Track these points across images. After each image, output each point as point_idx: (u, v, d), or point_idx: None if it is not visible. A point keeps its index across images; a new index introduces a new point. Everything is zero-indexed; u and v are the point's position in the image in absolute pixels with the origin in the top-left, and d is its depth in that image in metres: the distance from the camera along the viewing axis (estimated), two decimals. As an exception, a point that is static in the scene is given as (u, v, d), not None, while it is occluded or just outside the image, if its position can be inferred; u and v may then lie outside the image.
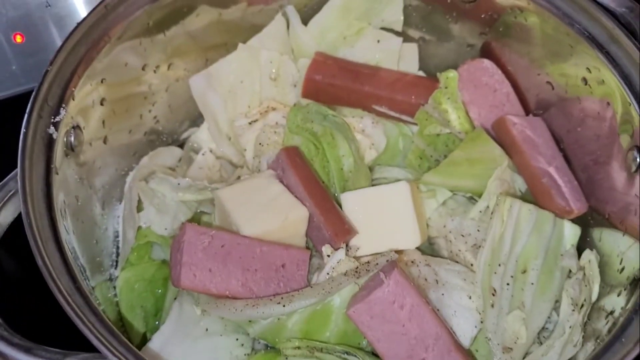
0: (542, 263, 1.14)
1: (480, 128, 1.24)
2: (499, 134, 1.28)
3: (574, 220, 1.19)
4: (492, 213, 1.15)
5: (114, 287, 1.20)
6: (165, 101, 1.35)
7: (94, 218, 1.18)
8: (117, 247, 1.26)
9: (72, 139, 1.06)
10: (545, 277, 1.14)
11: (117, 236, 1.27)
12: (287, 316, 1.03)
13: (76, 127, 1.08)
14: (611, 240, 1.12)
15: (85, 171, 1.14)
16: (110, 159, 1.24)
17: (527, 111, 1.33)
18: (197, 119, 1.42)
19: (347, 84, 1.33)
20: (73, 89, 1.06)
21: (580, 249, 1.17)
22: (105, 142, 1.20)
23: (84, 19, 1.08)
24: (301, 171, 1.18)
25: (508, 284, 1.12)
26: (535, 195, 1.22)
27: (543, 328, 1.13)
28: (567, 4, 1.14)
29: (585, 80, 1.16)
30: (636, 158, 1.05)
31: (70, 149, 1.07)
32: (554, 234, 1.17)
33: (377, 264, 1.05)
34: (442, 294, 1.09)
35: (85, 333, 0.87)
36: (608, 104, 1.12)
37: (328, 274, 1.08)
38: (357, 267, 1.05)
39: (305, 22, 1.38)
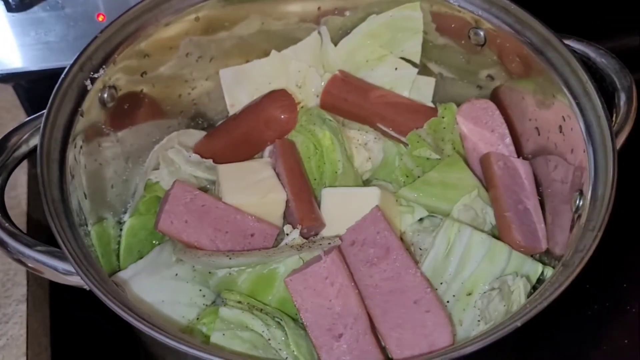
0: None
1: (456, 154, 1.34)
2: (483, 168, 1.37)
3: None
4: (435, 234, 1.23)
5: (120, 229, 1.40)
6: (205, 89, 1.53)
7: (115, 166, 1.37)
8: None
9: (106, 95, 1.27)
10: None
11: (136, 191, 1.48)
12: (237, 273, 1.19)
13: (111, 87, 1.28)
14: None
15: (118, 125, 1.33)
16: (146, 126, 1.43)
17: (520, 155, 1.41)
18: (233, 113, 1.62)
19: (358, 101, 1.48)
20: (116, 55, 1.28)
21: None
22: (141, 107, 1.41)
23: (138, 2, 1.32)
24: (288, 163, 1.34)
25: (448, 302, 1.20)
26: (497, 227, 1.30)
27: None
28: (552, 52, 1.24)
29: (560, 128, 1.24)
30: (576, 200, 1.11)
31: (102, 103, 1.28)
32: (510, 266, 1.24)
33: (320, 244, 1.18)
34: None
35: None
36: (572, 151, 1.19)
37: (281, 247, 1.22)
38: (302, 243, 1.19)
39: (335, 42, 1.55)
